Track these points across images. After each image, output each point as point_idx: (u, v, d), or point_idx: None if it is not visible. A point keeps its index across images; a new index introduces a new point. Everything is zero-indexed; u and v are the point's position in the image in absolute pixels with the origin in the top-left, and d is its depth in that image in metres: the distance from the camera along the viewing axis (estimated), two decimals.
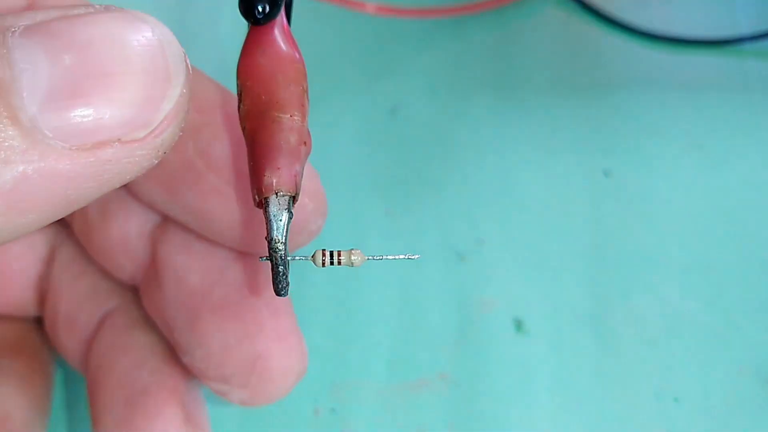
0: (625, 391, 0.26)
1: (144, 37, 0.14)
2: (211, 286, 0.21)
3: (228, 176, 0.19)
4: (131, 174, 0.14)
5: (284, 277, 0.18)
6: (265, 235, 0.17)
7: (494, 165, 0.32)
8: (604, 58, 0.35)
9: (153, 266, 0.22)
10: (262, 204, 0.17)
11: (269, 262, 0.17)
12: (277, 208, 0.17)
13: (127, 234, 0.22)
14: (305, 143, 0.17)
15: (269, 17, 0.18)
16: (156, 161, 0.14)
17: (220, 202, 0.19)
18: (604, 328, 0.27)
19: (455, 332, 0.27)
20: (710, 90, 0.34)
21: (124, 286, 0.23)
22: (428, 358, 0.26)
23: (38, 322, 0.25)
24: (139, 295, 0.23)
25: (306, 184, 0.19)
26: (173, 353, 0.22)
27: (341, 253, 0.18)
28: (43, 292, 0.24)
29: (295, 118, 0.17)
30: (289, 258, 0.17)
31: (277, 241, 0.17)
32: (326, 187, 0.31)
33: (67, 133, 0.13)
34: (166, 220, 0.22)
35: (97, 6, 0.14)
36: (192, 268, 0.21)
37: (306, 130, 0.18)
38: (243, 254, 0.21)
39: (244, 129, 0.18)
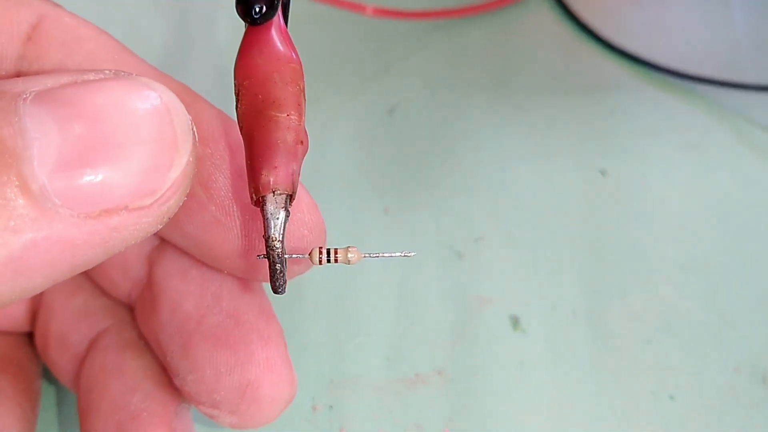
0: (620, 388, 0.26)
1: (152, 105, 0.14)
2: (205, 313, 0.21)
3: (229, 207, 0.19)
4: (136, 239, 0.14)
5: (281, 275, 0.18)
6: (263, 233, 0.17)
7: (491, 164, 0.32)
8: (598, 58, 0.36)
9: (149, 287, 0.22)
10: (259, 203, 0.17)
11: (266, 260, 0.17)
12: (274, 206, 0.17)
13: (125, 253, 0.22)
14: (302, 142, 0.18)
15: (266, 17, 0.18)
16: (161, 226, 0.14)
17: (220, 232, 0.19)
18: (600, 326, 0.27)
19: (452, 329, 0.27)
20: (706, 90, 0.34)
21: (119, 304, 0.23)
22: (425, 355, 0.27)
23: (29, 336, 0.25)
24: (134, 315, 0.23)
25: (306, 216, 0.19)
26: (164, 376, 0.22)
27: (338, 250, 0.18)
28: (35, 308, 0.24)
29: (292, 117, 0.17)
30: (286, 256, 0.18)
31: (274, 239, 0.17)
32: (325, 186, 0.31)
33: (76, 200, 0.13)
34: (165, 243, 0.22)
35: (106, 72, 0.14)
36: (187, 294, 0.21)
37: (303, 129, 0.18)
38: (237, 281, 0.21)
39: (241, 128, 0.18)
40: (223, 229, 0.19)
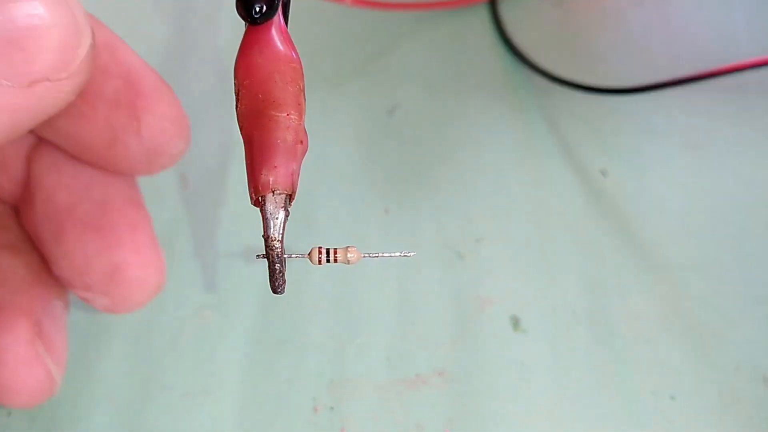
0: (621, 388, 0.26)
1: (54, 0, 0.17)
2: (76, 203, 0.23)
3: (95, 102, 0.21)
4: (58, 106, 0.17)
5: (281, 274, 0.18)
6: (262, 233, 0.17)
7: (492, 164, 0.32)
8: (599, 56, 0.36)
9: (28, 184, 0.24)
10: (259, 202, 0.17)
11: (266, 260, 0.17)
12: (273, 206, 0.17)
13: (5, 154, 0.24)
14: (302, 142, 0.18)
15: (266, 17, 0.18)
16: (74, 96, 0.18)
17: (87, 124, 0.22)
18: (600, 326, 0.27)
19: (453, 330, 0.27)
20: (706, 90, 0.34)
21: (4, 208, 0.25)
22: (426, 355, 0.27)
23: None
24: (19, 215, 0.25)
25: (167, 109, 0.22)
26: (41, 274, 0.24)
27: (337, 250, 0.18)
28: None
29: (292, 117, 0.17)
30: (285, 256, 0.18)
31: (273, 239, 0.17)
32: (325, 186, 0.31)
33: (10, 74, 0.16)
34: (41, 141, 0.24)
35: None
36: (60, 186, 0.23)
37: (303, 129, 0.18)
38: (108, 174, 0.23)
39: (241, 128, 0.18)
40: (89, 122, 0.22)
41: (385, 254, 0.19)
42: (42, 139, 0.24)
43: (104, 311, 0.24)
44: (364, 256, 0.18)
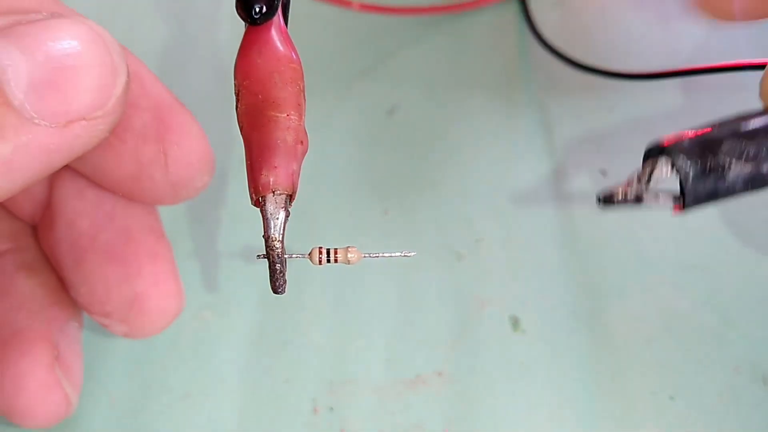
0: (620, 389, 0.26)
1: (90, 36, 0.17)
2: (98, 231, 0.23)
3: (122, 134, 0.22)
4: (93, 143, 0.17)
5: (281, 275, 0.18)
6: (263, 233, 0.17)
7: (492, 164, 0.32)
8: (600, 55, 0.36)
9: (49, 208, 0.24)
10: (259, 203, 0.17)
11: (266, 260, 0.17)
12: (274, 206, 0.17)
13: None
14: (302, 142, 0.18)
15: (266, 17, 0.18)
16: (108, 134, 0.18)
17: (114, 157, 0.22)
18: (600, 326, 0.27)
19: (452, 330, 0.27)
20: (705, 89, 0.34)
21: (23, 229, 0.25)
22: (426, 356, 0.27)
23: None
24: (37, 235, 0.25)
25: (194, 144, 0.22)
26: (58, 296, 0.24)
27: (338, 250, 0.18)
28: None
29: (292, 117, 0.17)
30: (286, 256, 0.18)
31: (274, 239, 0.17)
32: (325, 186, 0.31)
33: (48, 114, 0.16)
34: (66, 166, 0.24)
35: (44, 14, 0.17)
36: (83, 212, 0.23)
37: (303, 130, 0.18)
38: (130, 203, 0.24)
39: (241, 128, 0.18)
40: (116, 154, 0.22)
41: (385, 254, 0.19)
42: (67, 165, 0.24)
43: (122, 336, 0.24)
44: (365, 257, 0.18)
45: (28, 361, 0.23)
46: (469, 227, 0.30)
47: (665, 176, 0.17)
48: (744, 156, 0.16)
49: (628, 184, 0.17)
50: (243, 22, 0.18)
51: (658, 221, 0.30)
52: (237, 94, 0.18)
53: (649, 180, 0.17)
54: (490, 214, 0.30)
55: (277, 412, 0.25)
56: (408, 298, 0.28)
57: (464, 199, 0.31)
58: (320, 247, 0.18)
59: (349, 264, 0.18)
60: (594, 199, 0.18)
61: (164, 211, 0.26)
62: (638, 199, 0.17)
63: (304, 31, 0.35)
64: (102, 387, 0.26)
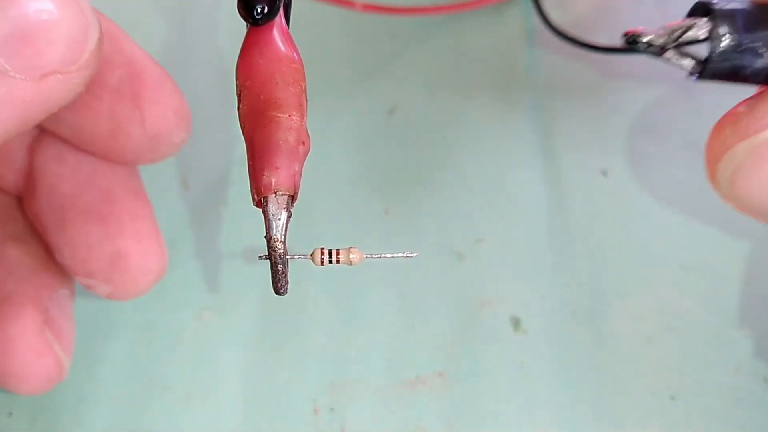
0: (621, 388, 0.26)
1: None
2: (79, 193, 0.24)
3: (99, 92, 0.22)
4: (68, 99, 0.18)
5: (283, 275, 0.18)
6: (264, 234, 0.17)
7: (492, 164, 0.32)
8: (597, 57, 0.36)
9: (31, 174, 0.24)
10: (261, 203, 0.17)
11: (268, 260, 0.17)
12: (276, 207, 0.17)
13: (8, 146, 0.24)
14: (304, 143, 0.18)
15: (268, 18, 0.18)
16: (83, 88, 0.18)
17: (90, 114, 0.22)
18: (600, 326, 0.27)
19: (453, 331, 0.27)
20: (706, 89, 0.34)
21: (7, 200, 0.25)
22: (426, 356, 0.27)
23: None
24: (22, 205, 0.25)
25: (169, 99, 0.22)
26: (46, 263, 0.24)
27: (339, 251, 0.18)
28: None
29: (294, 117, 0.17)
30: (287, 257, 0.18)
31: (276, 240, 0.17)
32: (326, 187, 0.31)
33: (22, 68, 0.17)
34: (44, 132, 0.24)
35: None
36: (63, 176, 0.24)
37: (305, 130, 0.18)
38: (110, 164, 0.24)
39: (243, 129, 0.18)
40: (93, 112, 0.22)
41: (387, 255, 0.19)
42: (44, 129, 0.24)
43: (106, 298, 0.24)
44: (367, 257, 0.18)
45: (17, 325, 0.23)
46: (470, 227, 0.30)
47: (699, 37, 0.16)
48: None
49: (659, 31, 0.17)
50: (244, 23, 0.18)
51: (658, 221, 0.30)
52: (238, 95, 0.18)
53: (681, 35, 0.16)
54: (491, 214, 0.30)
55: (277, 413, 0.25)
56: (408, 298, 0.28)
57: (465, 199, 0.31)
58: (322, 248, 0.18)
59: (351, 265, 0.18)
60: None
61: (164, 212, 0.26)
62: (663, 50, 0.16)
63: (305, 32, 0.35)
64: (102, 387, 0.26)
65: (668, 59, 0.17)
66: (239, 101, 0.18)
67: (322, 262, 0.18)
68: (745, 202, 0.16)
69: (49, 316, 0.24)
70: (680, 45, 0.16)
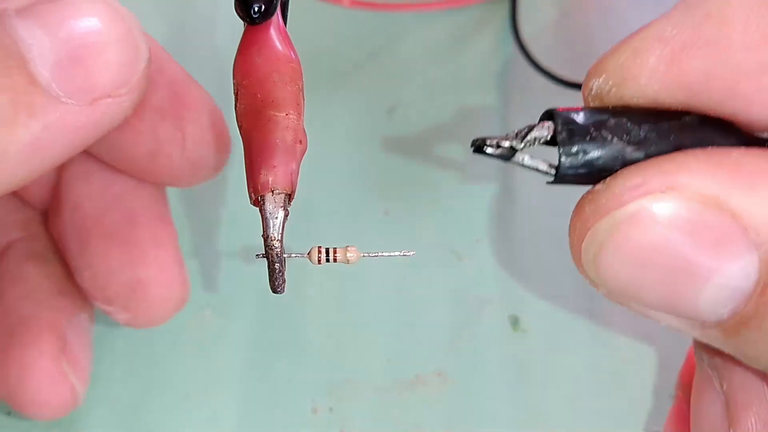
0: (621, 387, 0.26)
1: (110, 13, 0.17)
2: (104, 214, 0.23)
3: (141, 112, 0.21)
4: (118, 121, 0.17)
5: (280, 274, 0.18)
6: (262, 233, 0.17)
7: (491, 164, 0.32)
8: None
9: (57, 191, 0.24)
10: (258, 202, 0.17)
11: (265, 259, 0.17)
12: (273, 206, 0.17)
13: None
14: (301, 141, 0.18)
15: (265, 17, 0.18)
16: (132, 111, 0.18)
17: (131, 134, 0.22)
18: (600, 326, 0.27)
19: (452, 330, 0.27)
20: None
21: (34, 218, 0.25)
22: (425, 356, 0.26)
23: None
24: (47, 222, 0.25)
25: (211, 122, 0.22)
26: (66, 285, 0.24)
27: (337, 250, 0.18)
28: None
29: (291, 116, 0.17)
30: (285, 256, 0.18)
31: (273, 239, 0.17)
32: (324, 186, 0.31)
33: (74, 92, 0.16)
34: None
35: None
36: (90, 195, 0.23)
37: (302, 129, 0.18)
38: (139, 187, 0.23)
39: (240, 128, 0.18)
40: (134, 132, 0.22)
41: (384, 254, 0.19)
42: None
43: (124, 324, 0.23)
44: (364, 256, 0.18)
45: (33, 350, 0.22)
46: (469, 227, 0.30)
47: (544, 136, 0.16)
48: (627, 137, 0.15)
49: (506, 136, 0.17)
50: (242, 22, 0.18)
51: None
52: (236, 94, 0.18)
53: (525, 135, 0.17)
54: (490, 214, 0.30)
55: (276, 412, 0.25)
56: (407, 297, 0.28)
57: (464, 199, 0.31)
58: (319, 247, 0.18)
59: (348, 263, 0.18)
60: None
61: None
62: (511, 151, 0.17)
63: (303, 30, 0.35)
64: (102, 387, 0.26)
65: (520, 162, 0.17)
66: (236, 100, 0.18)
67: (319, 261, 0.18)
68: (611, 284, 0.16)
69: (66, 343, 0.23)
70: (527, 145, 0.17)
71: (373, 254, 0.18)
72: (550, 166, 0.17)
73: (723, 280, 0.14)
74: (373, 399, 0.26)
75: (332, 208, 0.31)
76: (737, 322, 0.14)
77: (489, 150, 0.17)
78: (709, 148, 0.15)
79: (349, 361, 0.26)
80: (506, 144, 0.17)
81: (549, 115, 0.17)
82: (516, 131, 0.17)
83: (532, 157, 0.17)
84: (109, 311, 0.23)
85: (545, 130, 0.17)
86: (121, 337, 0.27)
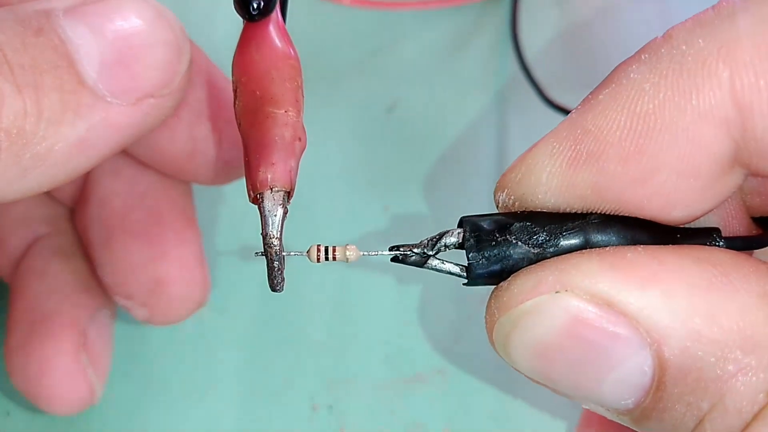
0: None
1: (154, 14, 0.17)
2: (129, 210, 0.23)
3: (179, 111, 0.21)
4: (159, 121, 0.18)
5: (279, 272, 0.18)
6: (261, 230, 0.17)
7: (492, 161, 0.32)
8: (602, 51, 0.36)
9: (85, 186, 0.24)
10: (257, 200, 0.17)
11: (264, 257, 0.17)
12: (271, 203, 0.17)
13: None
14: (300, 139, 0.18)
15: (264, 14, 0.18)
16: (173, 111, 0.18)
17: (169, 132, 0.22)
18: None
19: (452, 328, 0.27)
20: None
21: (61, 215, 0.25)
22: (425, 353, 0.26)
23: None
24: (74, 218, 0.25)
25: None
26: (90, 281, 0.24)
27: (336, 248, 0.18)
28: None
29: (290, 113, 0.17)
30: (284, 254, 0.17)
31: (272, 236, 0.17)
32: (324, 183, 0.31)
33: (119, 92, 0.17)
34: None
35: None
36: (116, 191, 0.23)
37: (301, 126, 0.18)
38: (167, 183, 0.23)
39: (239, 125, 0.18)
40: (172, 131, 0.22)
41: (383, 252, 0.18)
42: None
43: (142, 321, 0.23)
44: (363, 254, 0.18)
45: (53, 345, 0.22)
46: None
47: (453, 243, 0.18)
48: (531, 240, 0.16)
49: (419, 243, 0.18)
50: (241, 19, 0.18)
51: None
52: (235, 91, 0.18)
53: (435, 243, 0.18)
54: (490, 211, 0.30)
55: (276, 410, 0.25)
56: (407, 295, 0.28)
57: (464, 196, 0.31)
58: (318, 245, 0.18)
59: (347, 262, 0.18)
60: None
61: None
62: (425, 258, 0.17)
63: (303, 27, 0.35)
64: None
65: (434, 267, 0.18)
66: (235, 97, 0.18)
67: (318, 259, 0.18)
68: (523, 371, 0.17)
69: (86, 339, 0.23)
70: (439, 251, 0.18)
71: (373, 253, 0.18)
72: (462, 269, 0.18)
73: (620, 375, 0.15)
74: (373, 396, 0.26)
75: (331, 205, 0.31)
76: (641, 413, 0.15)
77: (403, 257, 0.18)
78: (607, 249, 0.16)
79: (349, 358, 0.26)
80: (418, 250, 0.18)
81: (459, 223, 0.18)
82: (428, 238, 0.18)
83: (443, 261, 0.18)
84: (128, 306, 0.23)
85: (455, 237, 0.18)
86: (121, 336, 0.27)
